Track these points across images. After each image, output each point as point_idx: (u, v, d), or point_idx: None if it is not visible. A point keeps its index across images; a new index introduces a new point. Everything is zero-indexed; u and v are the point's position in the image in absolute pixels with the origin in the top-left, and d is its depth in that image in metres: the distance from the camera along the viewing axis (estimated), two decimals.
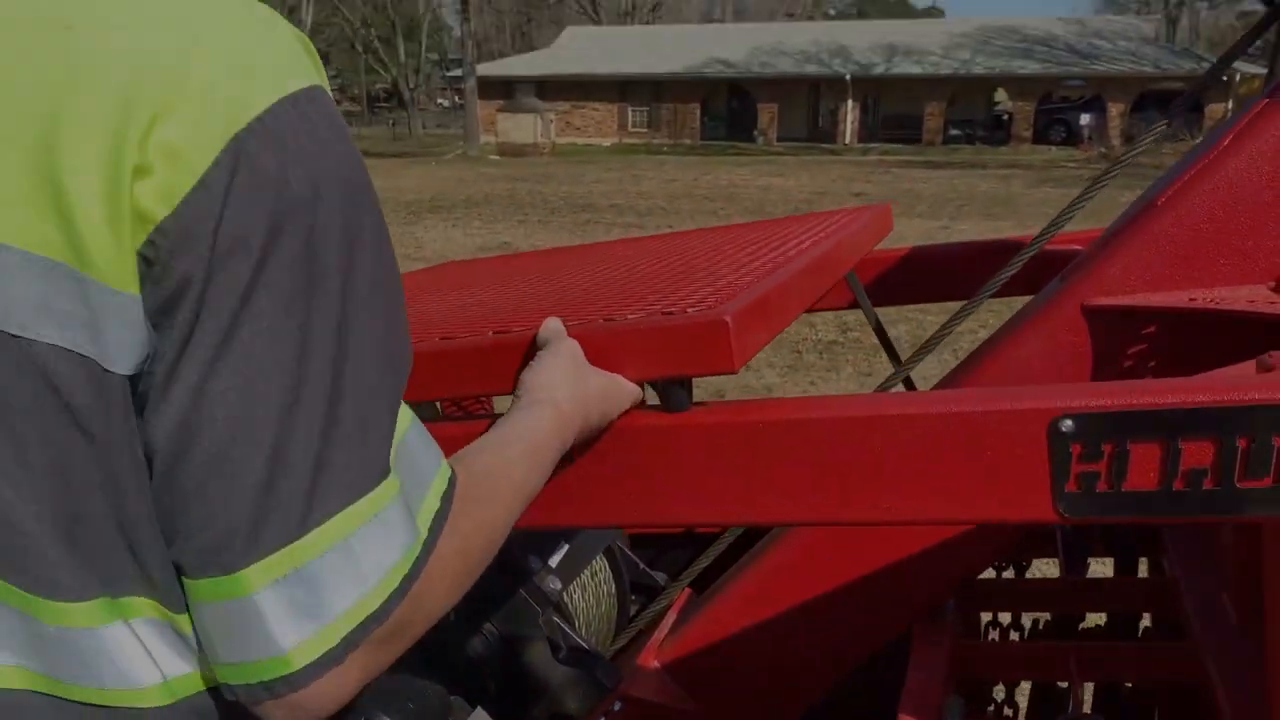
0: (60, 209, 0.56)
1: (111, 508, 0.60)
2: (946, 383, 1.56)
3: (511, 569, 1.57)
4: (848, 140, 36.93)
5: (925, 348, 1.58)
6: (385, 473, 0.63)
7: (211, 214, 0.57)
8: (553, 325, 0.96)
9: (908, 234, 13.11)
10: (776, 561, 1.57)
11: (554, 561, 1.63)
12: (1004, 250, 1.83)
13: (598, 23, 49.92)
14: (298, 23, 45.83)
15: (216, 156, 0.57)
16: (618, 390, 0.94)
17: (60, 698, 0.63)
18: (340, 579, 0.60)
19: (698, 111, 39.75)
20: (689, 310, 0.97)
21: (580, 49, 42.18)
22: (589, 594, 1.72)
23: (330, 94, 0.67)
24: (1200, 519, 0.86)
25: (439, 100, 63.75)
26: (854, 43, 39.11)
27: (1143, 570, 1.92)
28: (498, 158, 29.57)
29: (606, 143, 38.46)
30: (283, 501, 0.58)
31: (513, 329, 1.02)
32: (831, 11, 70.44)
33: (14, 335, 0.57)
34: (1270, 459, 0.82)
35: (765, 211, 15.55)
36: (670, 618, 1.72)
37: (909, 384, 1.84)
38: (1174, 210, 1.30)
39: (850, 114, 37.59)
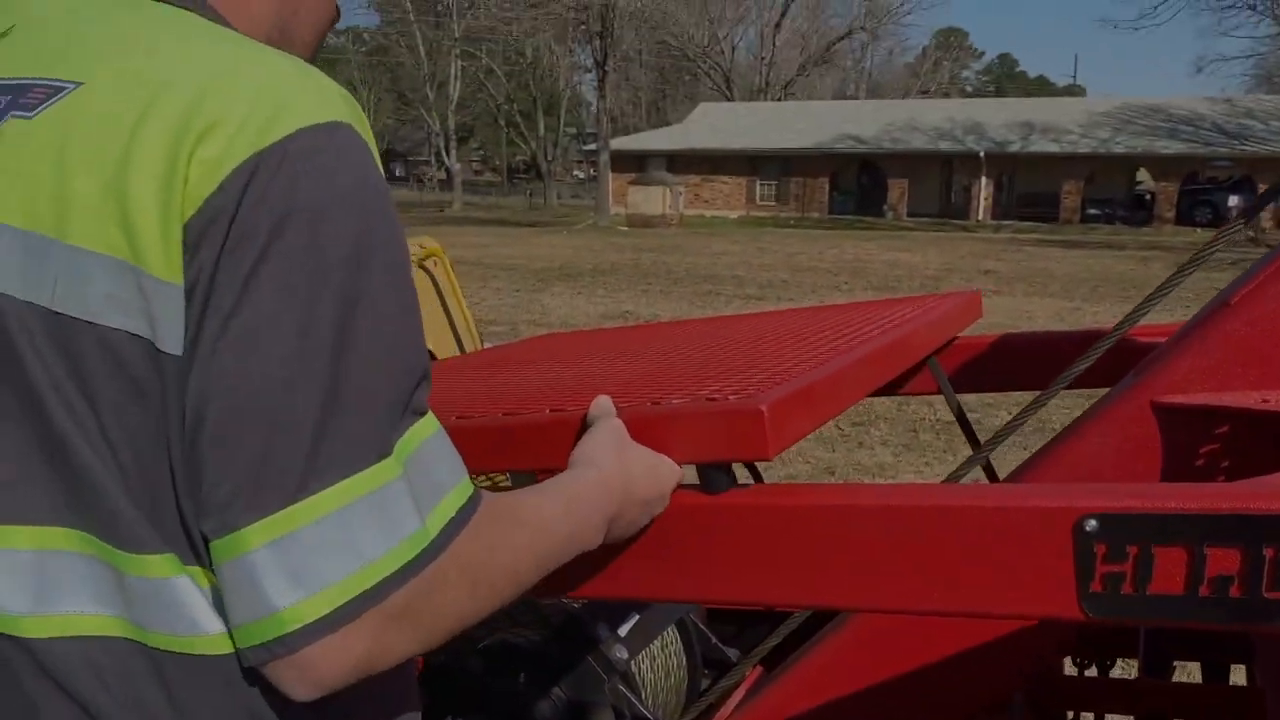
0: (126, 217, 0.67)
1: (172, 471, 0.69)
2: (1018, 473, 1.55)
3: (579, 636, 1.62)
4: (980, 217, 36.32)
5: (997, 438, 1.58)
6: (383, 455, 0.68)
7: (226, 212, 0.67)
8: (602, 404, 1.02)
9: (1037, 314, 12.80)
10: (840, 643, 1.57)
11: (623, 631, 1.67)
12: (1095, 340, 1.81)
13: (731, 100, 50.73)
14: (445, 98, 48.09)
15: (236, 167, 0.67)
16: (662, 467, 0.99)
17: (143, 644, 0.71)
18: (332, 549, 0.65)
19: (826, 186, 39.78)
20: (730, 397, 1.02)
21: (712, 124, 42.89)
22: (658, 665, 1.75)
23: (363, 137, 0.75)
24: (1227, 627, 0.86)
25: (575, 172, 65.57)
26: (989, 119, 38.66)
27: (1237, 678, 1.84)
28: (626, 229, 30.18)
29: (734, 215, 38.80)
30: (281, 468, 0.65)
31: (567, 408, 1.09)
32: (968, 89, 69.88)
33: (90, 322, 0.68)
34: None
35: (890, 287, 15.41)
36: (739, 695, 1.74)
37: (990, 472, 1.83)
38: (1247, 310, 1.29)
39: (984, 191, 37.02)
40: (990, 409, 6.71)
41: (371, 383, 0.69)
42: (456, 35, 45.42)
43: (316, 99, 0.73)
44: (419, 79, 48.78)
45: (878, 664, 1.52)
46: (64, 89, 0.72)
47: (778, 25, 53.76)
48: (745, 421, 0.97)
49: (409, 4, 48.10)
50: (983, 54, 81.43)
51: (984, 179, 36.87)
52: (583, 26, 38.39)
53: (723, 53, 54.58)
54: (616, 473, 0.93)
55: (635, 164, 38.25)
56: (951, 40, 70.29)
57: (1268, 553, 0.82)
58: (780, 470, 6.37)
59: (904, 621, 1.50)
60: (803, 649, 1.66)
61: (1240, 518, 0.83)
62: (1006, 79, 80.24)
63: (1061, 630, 1.50)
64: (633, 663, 1.69)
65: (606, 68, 36.82)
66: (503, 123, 55.66)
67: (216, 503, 0.66)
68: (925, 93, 58.62)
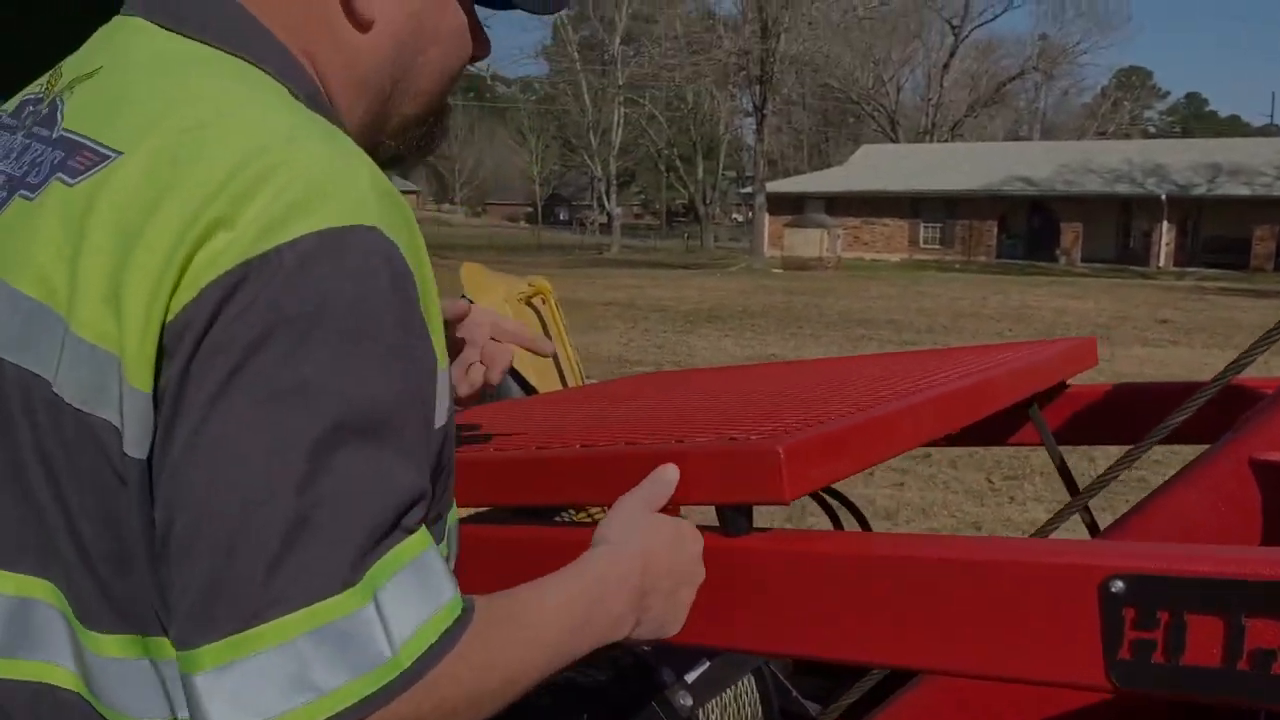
0: (120, 311, 0.66)
1: (149, 556, 0.69)
2: (1111, 529, 1.46)
3: (645, 680, 1.60)
4: (1161, 263, 34.42)
5: (1091, 489, 1.49)
6: (348, 584, 0.64)
7: (198, 323, 0.64)
8: (659, 473, 0.98)
9: (1217, 367, 11.94)
10: (915, 705, 1.50)
11: (690, 677, 1.64)
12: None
13: (895, 141, 50.03)
14: (608, 143, 49.28)
15: (219, 276, 0.64)
16: (685, 531, 0.95)
17: (95, 710, 0.73)
18: (281, 680, 0.62)
19: (994, 229, 38.57)
20: (752, 437, 0.99)
21: (873, 166, 42.35)
22: (729, 715, 1.70)
23: (388, 239, 0.70)
24: (1269, 707, 0.77)
25: (734, 215, 65.83)
26: (1172, 161, 36.71)
27: None
28: (780, 271, 30.02)
29: (895, 259, 38.07)
30: (236, 593, 0.62)
31: (599, 443, 1.09)
32: (1150, 130, 66.62)
33: (78, 409, 0.68)
34: None
35: (1053, 335, 14.74)
36: None
37: (1092, 527, 1.72)
38: None
39: (1165, 236, 35.11)
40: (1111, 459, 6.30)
41: (344, 510, 0.65)
42: (620, 83, 46.56)
43: (340, 198, 0.68)
44: (583, 126, 50.16)
45: None
46: (107, 159, 0.70)
47: (946, 66, 52.80)
48: (761, 463, 0.94)
49: (576, 53, 49.67)
50: (1168, 94, 77.64)
51: (1165, 223, 34.98)
52: (743, 72, 38.69)
53: (887, 94, 53.97)
54: (632, 549, 0.89)
55: (793, 206, 38.09)
56: (1133, 79, 67.29)
57: None
58: (922, 524, 6.16)
59: (983, 687, 1.42)
60: (878, 708, 1.59)
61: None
62: (1194, 119, 76.12)
63: (1152, 708, 1.39)
64: (700, 711, 1.65)
65: (765, 111, 36.95)
66: (663, 167, 56.51)
67: (179, 614, 0.64)
68: (1103, 134, 56.23)
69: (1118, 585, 0.80)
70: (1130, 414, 1.93)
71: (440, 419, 0.77)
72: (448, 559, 0.88)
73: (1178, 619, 0.78)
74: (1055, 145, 45.47)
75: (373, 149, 0.87)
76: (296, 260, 0.66)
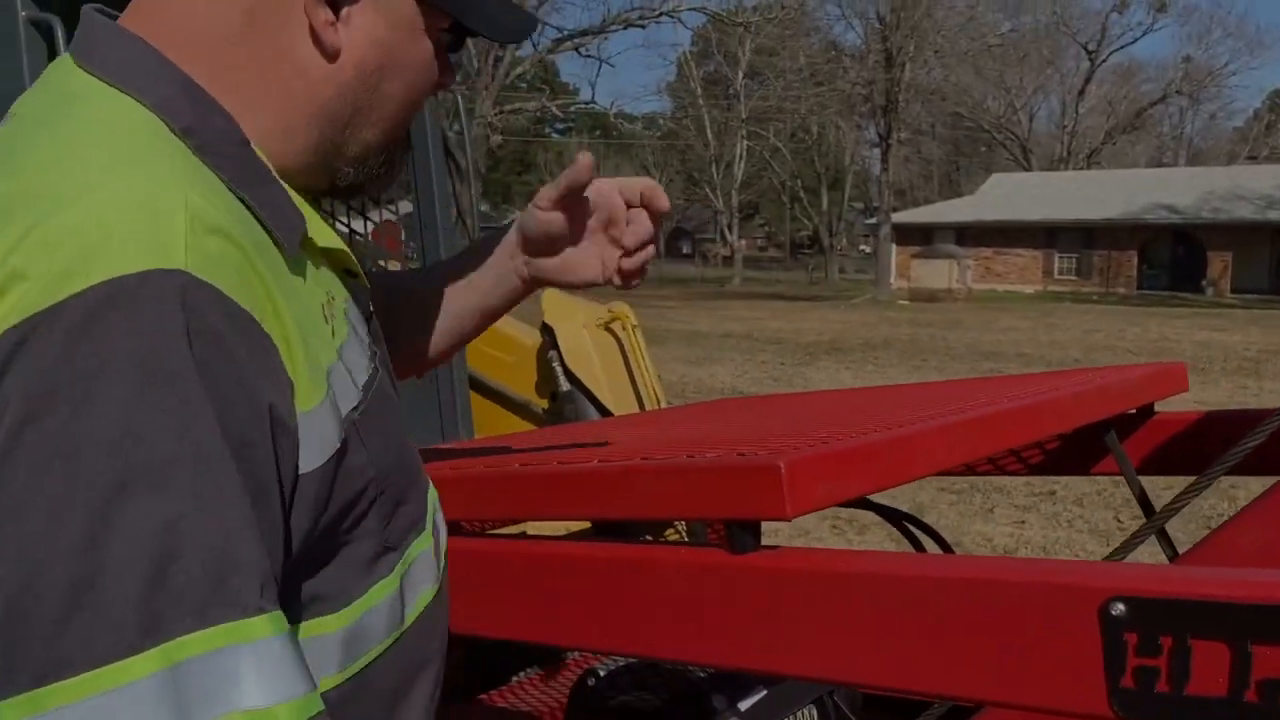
0: None
1: None
2: (1185, 557, 1.38)
3: (695, 706, 1.58)
4: None
5: (1162, 515, 1.41)
6: (133, 650, 0.60)
7: None
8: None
9: None
10: None
11: (744, 705, 1.61)
12: None
13: (1028, 170, 48.64)
14: (731, 176, 49.40)
15: (7, 331, 0.62)
16: None
17: None
18: None
19: (1135, 259, 36.99)
20: (760, 453, 0.98)
21: (1005, 195, 41.21)
22: None
23: (203, 283, 0.65)
24: None
25: (862, 247, 64.99)
26: None
27: None
28: (906, 303, 29.43)
29: (1029, 290, 36.86)
30: (22, 654, 0.60)
31: (613, 460, 1.09)
32: None
33: None
34: None
35: (1195, 369, 14.00)
36: None
37: (1169, 549, 1.63)
38: None
39: None
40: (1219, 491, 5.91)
41: (130, 572, 0.60)
42: (744, 116, 46.69)
43: (139, 243, 0.64)
44: (706, 160, 50.44)
45: None
46: None
47: (1081, 92, 51.18)
48: (762, 478, 0.93)
49: (699, 89, 50.08)
50: None
51: None
52: (868, 103, 38.33)
53: (1019, 122, 52.58)
54: None
55: (922, 237, 37.36)
56: None
57: None
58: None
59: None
60: None
61: None
62: None
63: None
64: None
65: (890, 141, 36.45)
66: (787, 199, 56.29)
67: None
68: (1253, 158, 53.40)
69: (1119, 608, 0.76)
70: (1222, 442, 1.82)
71: (314, 461, 0.73)
72: (400, 592, 0.86)
73: (1181, 644, 0.74)
74: (1200, 171, 43.40)
75: (331, 176, 0.88)
76: (84, 312, 0.62)
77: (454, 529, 1.05)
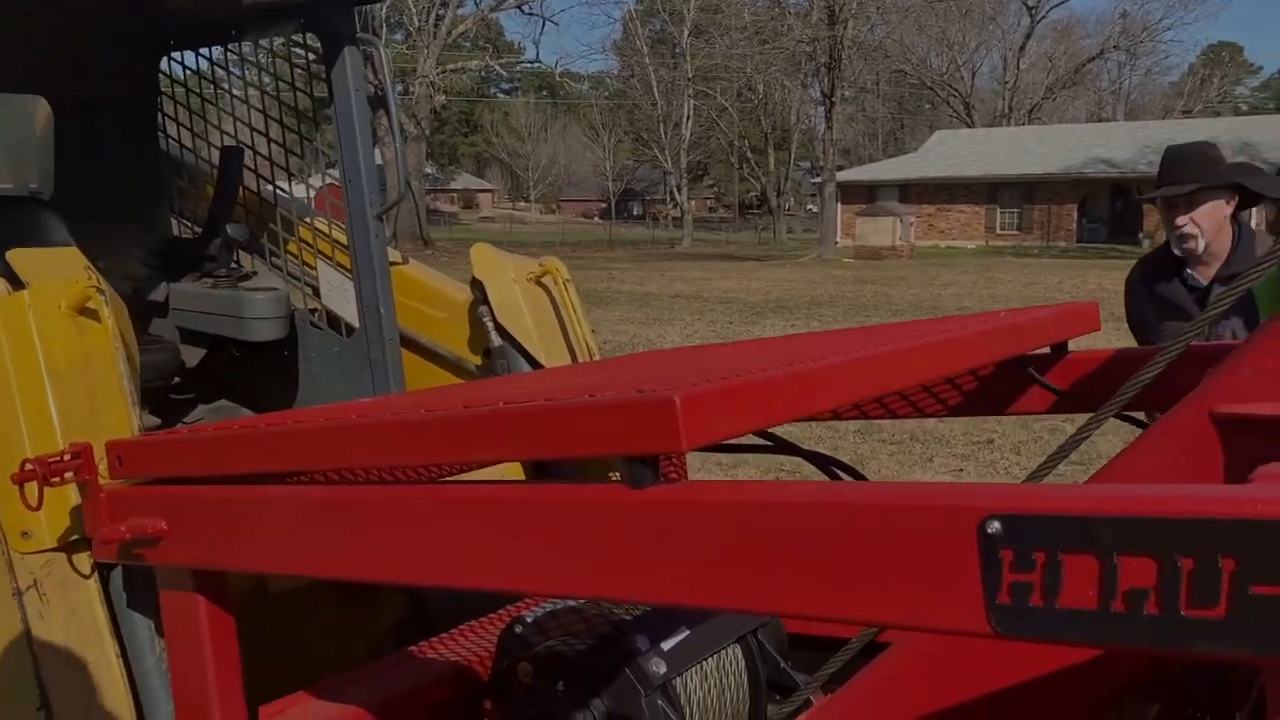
0: None
1: None
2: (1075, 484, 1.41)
3: (618, 646, 1.60)
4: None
5: (1062, 451, 1.44)
6: None
7: None
8: None
9: None
10: (888, 671, 1.47)
11: (667, 645, 1.63)
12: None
13: (971, 126, 49.00)
14: (679, 137, 49.10)
15: None
16: None
17: None
18: None
19: (1075, 213, 37.56)
20: (657, 390, 0.99)
21: (948, 152, 41.52)
22: (709, 684, 1.70)
23: None
24: (1147, 649, 0.74)
25: (809, 206, 65.21)
26: (1264, 139, 35.30)
27: None
28: (852, 261, 29.64)
29: (971, 245, 37.29)
30: None
31: (516, 401, 1.09)
32: (1242, 108, 64.05)
33: None
34: (1219, 584, 0.70)
35: None
36: None
37: None
38: None
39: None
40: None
41: None
42: (690, 75, 46.40)
43: None
44: (654, 120, 50.12)
45: (925, 692, 1.41)
46: None
47: (1022, 48, 51.54)
48: (657, 413, 0.94)
49: (645, 47, 49.66)
50: (1259, 69, 74.54)
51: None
52: (812, 61, 38.28)
53: (962, 79, 52.88)
54: None
55: (866, 195, 37.53)
56: (1222, 55, 64.85)
57: (1184, 564, 0.71)
58: None
59: (954, 647, 1.39)
60: (855, 676, 1.57)
61: (1155, 522, 0.72)
62: None
63: (1133, 669, 1.34)
64: (680, 680, 1.65)
65: (834, 99, 36.47)
66: (734, 160, 56.24)
67: None
68: (1187, 113, 54.31)
69: (994, 526, 0.78)
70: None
71: None
72: None
73: (1054, 559, 0.76)
74: (1138, 125, 44.03)
75: None
76: None
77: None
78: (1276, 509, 0.69)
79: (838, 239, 34.75)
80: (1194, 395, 1.24)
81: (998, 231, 38.52)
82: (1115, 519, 0.73)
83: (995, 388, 1.80)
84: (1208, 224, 3.13)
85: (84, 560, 1.55)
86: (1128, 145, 37.84)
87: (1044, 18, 52.23)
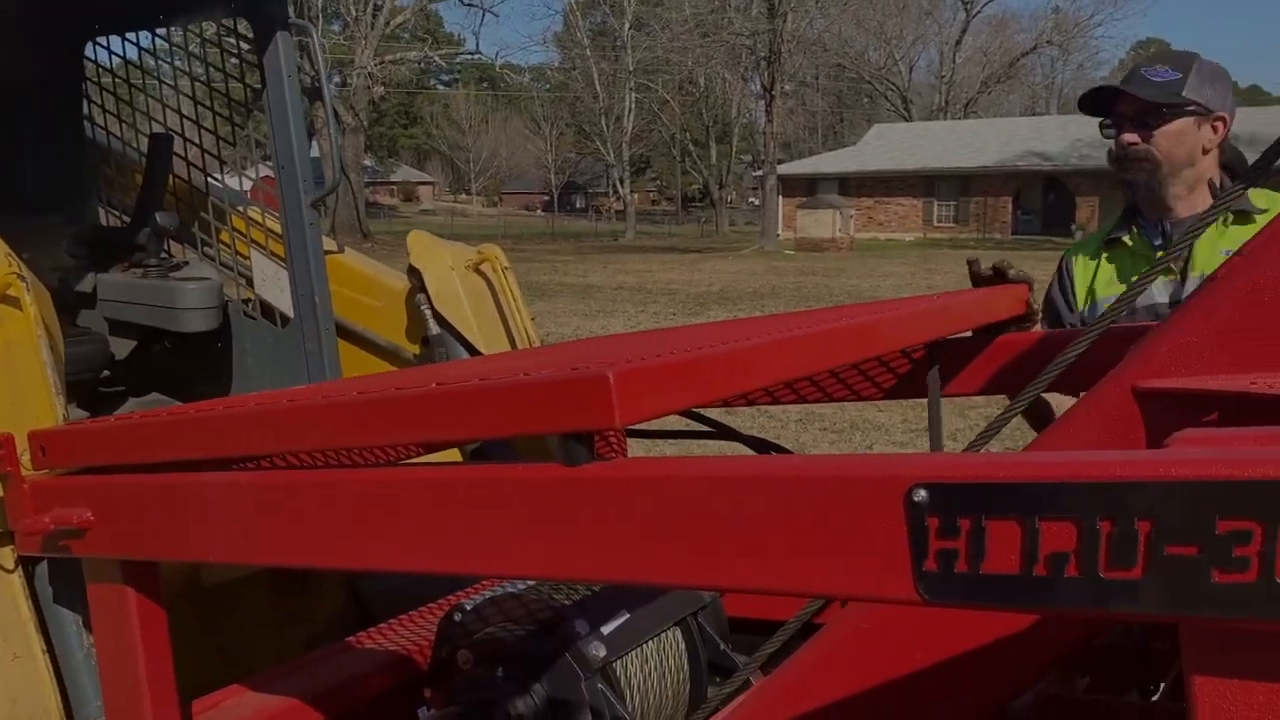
0: None
1: None
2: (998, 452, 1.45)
3: (557, 631, 1.60)
4: None
5: (985, 435, 1.47)
6: None
7: None
8: None
9: None
10: (822, 647, 1.49)
11: (606, 629, 1.64)
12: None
13: (909, 120, 49.63)
14: (621, 130, 49.08)
15: None
16: None
17: None
18: None
19: (1009, 205, 38.26)
20: (590, 368, 0.99)
21: (886, 145, 42.03)
22: (650, 667, 1.70)
23: None
24: (1068, 611, 0.76)
25: (751, 199, 65.56)
26: None
27: None
28: (793, 253, 29.88)
29: (909, 238, 37.81)
30: None
31: (450, 381, 1.08)
32: None
33: None
34: (1136, 546, 0.72)
35: None
36: (737, 702, 1.67)
37: None
38: (1230, 285, 1.15)
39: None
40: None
41: None
42: (631, 68, 46.38)
43: None
44: (596, 112, 50.03)
45: (860, 667, 1.43)
46: None
47: (958, 43, 52.34)
48: (591, 389, 0.94)
49: (586, 40, 49.52)
50: None
51: None
52: (753, 54, 38.48)
53: (900, 73, 53.56)
54: None
55: (807, 188, 37.87)
56: (1151, 51, 66.49)
57: (1103, 526, 0.73)
58: None
59: (888, 622, 1.41)
60: (792, 655, 1.58)
61: (1074, 487, 0.74)
62: None
63: (1061, 639, 1.38)
64: (620, 663, 1.65)
65: (774, 93, 36.70)
66: (677, 153, 56.35)
67: None
68: None
69: (920, 494, 0.79)
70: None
71: None
72: None
73: (977, 525, 0.78)
74: (1069, 119, 44.92)
75: None
76: None
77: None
78: (1189, 470, 0.71)
79: (779, 232, 35.02)
80: (1115, 372, 1.27)
81: (935, 224, 39.11)
82: (1036, 484, 0.75)
83: (927, 370, 1.83)
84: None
85: (6, 555, 1.51)
86: (1060, 139, 38.62)
87: (979, 13, 53.12)
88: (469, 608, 1.70)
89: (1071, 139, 38.14)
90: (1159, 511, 0.71)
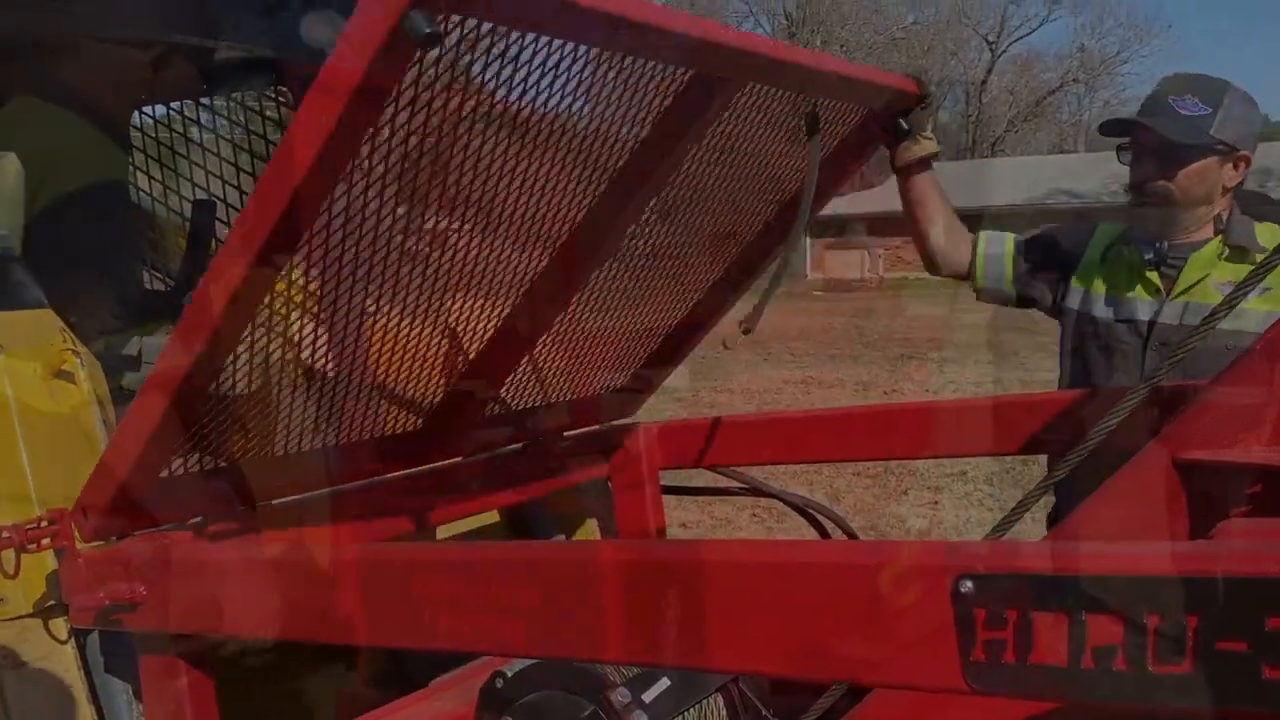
0: None
1: None
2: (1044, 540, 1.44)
3: (599, 700, 1.60)
4: None
5: (1023, 506, 1.47)
6: None
7: None
8: None
9: None
10: (866, 716, 1.49)
11: (647, 697, 1.64)
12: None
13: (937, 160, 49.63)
14: None
15: None
16: None
17: None
18: None
19: None
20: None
21: None
22: None
23: None
24: (1116, 704, 0.77)
25: None
26: None
27: None
28: (821, 293, 29.85)
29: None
30: None
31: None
32: None
33: None
34: (1185, 640, 0.72)
35: None
36: None
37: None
38: (1271, 354, 1.16)
39: None
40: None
41: None
42: None
43: None
44: None
45: None
46: None
47: (984, 83, 52.47)
48: None
49: None
50: None
51: None
52: None
53: None
54: None
55: (835, 228, 37.89)
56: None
57: (1150, 621, 0.74)
58: None
59: (931, 697, 1.40)
60: None
61: (1121, 581, 0.75)
62: None
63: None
64: None
65: None
66: None
67: None
68: None
69: (967, 585, 0.80)
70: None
71: None
72: None
73: (1024, 617, 0.78)
74: (1098, 157, 44.76)
75: None
76: None
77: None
78: (1237, 566, 0.72)
79: (807, 272, 35.01)
80: (1156, 442, 1.27)
81: None
82: (1083, 578, 0.76)
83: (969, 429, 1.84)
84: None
85: (60, 626, 1.53)
86: (1090, 176, 38.45)
87: (1004, 52, 53.29)
88: (509, 674, 1.71)
89: (1100, 175, 37.97)
90: (1207, 606, 0.72)
